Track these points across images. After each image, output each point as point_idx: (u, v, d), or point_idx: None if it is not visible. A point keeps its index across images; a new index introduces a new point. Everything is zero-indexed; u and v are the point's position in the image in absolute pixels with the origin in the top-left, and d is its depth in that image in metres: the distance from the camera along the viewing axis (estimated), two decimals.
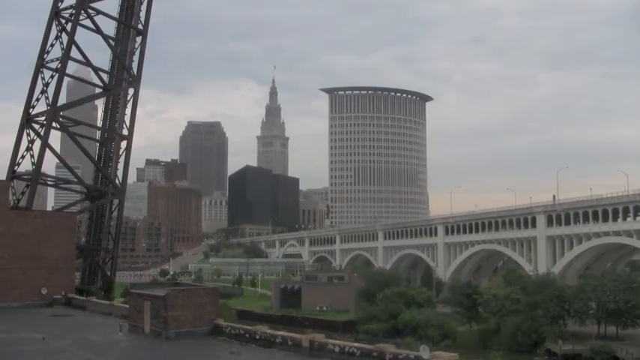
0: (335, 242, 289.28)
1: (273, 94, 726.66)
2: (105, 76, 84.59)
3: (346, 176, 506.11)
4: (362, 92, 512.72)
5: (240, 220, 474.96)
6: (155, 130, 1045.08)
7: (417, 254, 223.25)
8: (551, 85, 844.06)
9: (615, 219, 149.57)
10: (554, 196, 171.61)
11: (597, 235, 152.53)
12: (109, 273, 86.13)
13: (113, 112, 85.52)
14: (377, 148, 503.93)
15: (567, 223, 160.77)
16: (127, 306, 46.71)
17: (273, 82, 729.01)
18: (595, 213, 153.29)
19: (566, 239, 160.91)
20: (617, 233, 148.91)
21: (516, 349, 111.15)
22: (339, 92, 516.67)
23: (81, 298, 63.79)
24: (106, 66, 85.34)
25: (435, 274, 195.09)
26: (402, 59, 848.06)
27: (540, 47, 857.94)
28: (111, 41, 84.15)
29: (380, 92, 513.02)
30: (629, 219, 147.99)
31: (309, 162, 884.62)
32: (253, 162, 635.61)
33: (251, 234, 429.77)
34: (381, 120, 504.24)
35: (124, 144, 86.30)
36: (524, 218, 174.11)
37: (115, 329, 42.71)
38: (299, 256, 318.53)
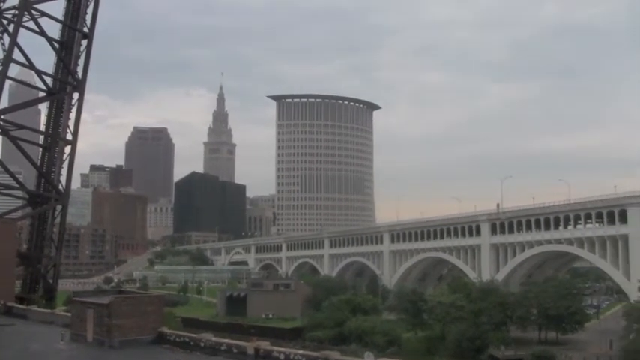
0: (281, 250, 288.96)
1: (221, 100, 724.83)
2: (49, 80, 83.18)
3: (293, 183, 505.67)
4: (309, 100, 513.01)
5: (186, 227, 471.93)
6: (104, 136, 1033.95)
7: (363, 262, 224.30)
8: (500, 96, 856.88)
9: (557, 227, 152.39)
10: (498, 205, 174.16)
11: (539, 242, 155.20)
12: (51, 281, 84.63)
13: (57, 116, 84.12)
14: (324, 155, 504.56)
15: (511, 231, 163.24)
16: (70, 314, 45.92)
17: (221, 88, 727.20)
18: (537, 221, 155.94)
19: (510, 247, 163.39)
20: (559, 241, 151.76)
21: (460, 355, 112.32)
22: (287, 100, 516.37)
23: (21, 306, 62.40)
24: (51, 69, 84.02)
25: (380, 281, 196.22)
26: (354, 68, 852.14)
27: (489, 58, 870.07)
28: (55, 44, 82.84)
29: (327, 100, 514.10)
30: (570, 227, 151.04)
31: (258, 169, 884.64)
32: (200, 169, 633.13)
33: (197, 241, 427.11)
34: (328, 128, 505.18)
35: (68, 149, 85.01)
36: (468, 226, 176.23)
37: (57, 338, 41.94)
38: (245, 263, 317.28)
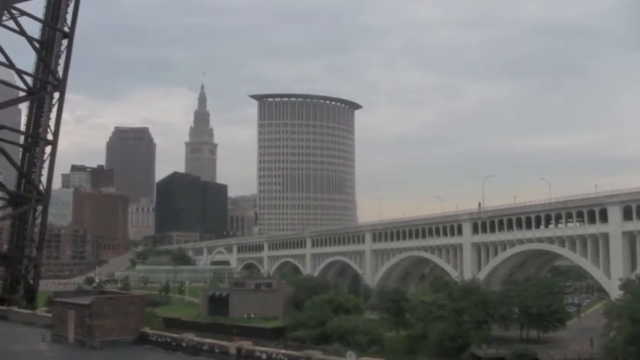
0: (263, 249, 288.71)
1: (202, 100, 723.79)
2: (29, 79, 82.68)
3: (275, 183, 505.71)
4: (291, 99, 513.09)
5: (168, 227, 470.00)
6: (85, 135, 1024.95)
7: (344, 261, 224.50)
8: (481, 96, 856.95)
9: (538, 226, 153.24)
10: (479, 204, 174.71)
11: (521, 241, 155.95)
12: (31, 281, 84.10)
13: (37, 116, 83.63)
14: (305, 155, 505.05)
15: (492, 230, 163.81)
16: (51, 315, 45.65)
17: (202, 87, 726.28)
18: (519, 220, 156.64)
19: (491, 246, 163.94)
20: (540, 240, 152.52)
21: (442, 354, 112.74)
22: (269, 99, 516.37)
23: (2, 307, 62.00)
24: (31, 69, 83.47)
25: (362, 280, 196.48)
26: (335, 68, 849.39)
27: (473, 58, 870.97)
28: (36, 44, 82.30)
29: (309, 100, 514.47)
30: (551, 226, 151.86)
31: (239, 169, 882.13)
32: (182, 168, 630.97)
33: (179, 241, 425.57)
34: (309, 127, 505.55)
35: (48, 149, 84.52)
36: (450, 226, 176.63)
37: (38, 339, 41.68)
38: (227, 263, 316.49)
